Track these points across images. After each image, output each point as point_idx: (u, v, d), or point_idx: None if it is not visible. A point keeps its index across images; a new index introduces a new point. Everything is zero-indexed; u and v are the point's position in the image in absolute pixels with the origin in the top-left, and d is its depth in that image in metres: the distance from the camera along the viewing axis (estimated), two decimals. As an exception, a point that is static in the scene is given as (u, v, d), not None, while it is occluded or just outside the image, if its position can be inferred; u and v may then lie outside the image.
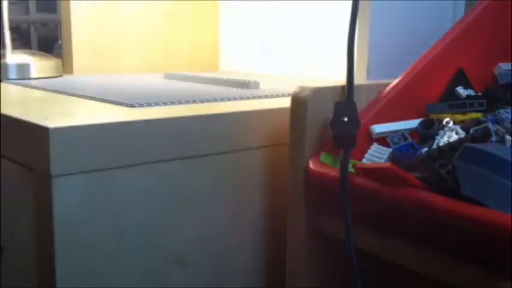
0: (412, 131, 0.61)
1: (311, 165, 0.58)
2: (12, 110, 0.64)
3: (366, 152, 0.60)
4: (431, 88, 0.66)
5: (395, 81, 0.65)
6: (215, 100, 0.77)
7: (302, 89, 0.61)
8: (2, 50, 1.05)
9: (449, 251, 0.48)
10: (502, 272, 0.44)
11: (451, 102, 0.64)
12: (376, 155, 0.60)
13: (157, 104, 0.71)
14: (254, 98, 0.81)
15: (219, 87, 0.92)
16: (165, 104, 0.72)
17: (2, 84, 0.97)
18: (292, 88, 0.63)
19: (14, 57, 1.04)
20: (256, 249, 0.72)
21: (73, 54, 1.16)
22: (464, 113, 0.62)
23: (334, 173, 0.55)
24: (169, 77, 1.09)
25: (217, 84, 0.95)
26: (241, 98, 0.79)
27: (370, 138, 0.62)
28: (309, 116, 0.60)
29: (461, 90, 0.66)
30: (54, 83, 0.97)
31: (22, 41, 2.12)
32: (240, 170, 0.69)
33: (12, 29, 1.06)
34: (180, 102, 0.74)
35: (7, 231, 0.67)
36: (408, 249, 0.52)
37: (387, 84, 0.65)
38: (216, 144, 0.66)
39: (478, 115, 0.61)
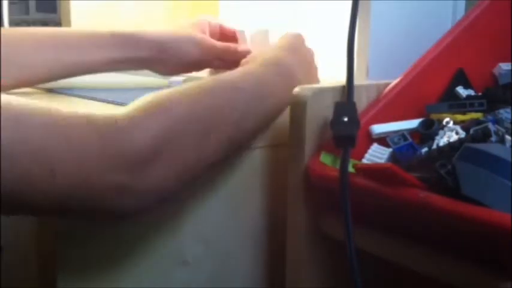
0: (412, 131, 0.61)
1: (311, 165, 0.58)
2: (12, 110, 0.64)
3: (366, 152, 0.60)
4: (431, 88, 0.66)
5: (395, 81, 0.65)
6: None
7: (302, 89, 0.61)
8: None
9: (449, 251, 0.48)
10: (502, 272, 0.44)
11: (451, 102, 0.64)
12: (376, 155, 0.60)
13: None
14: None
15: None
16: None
17: (2, 84, 0.97)
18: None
19: (14, 57, 1.04)
20: (256, 249, 0.72)
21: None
22: (464, 113, 0.62)
23: (334, 173, 0.55)
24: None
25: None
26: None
27: (370, 138, 0.62)
28: (309, 116, 0.60)
29: (461, 90, 0.66)
30: (53, 82, 0.97)
31: (22, 41, 2.11)
32: (240, 170, 0.68)
33: (12, 29, 1.06)
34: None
35: (7, 231, 0.67)
36: (408, 249, 0.52)
37: (387, 84, 0.65)
38: (216, 144, 0.66)
39: (478, 115, 0.61)
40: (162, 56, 0.79)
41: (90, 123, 0.43)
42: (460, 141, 0.54)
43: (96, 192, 0.43)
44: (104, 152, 0.42)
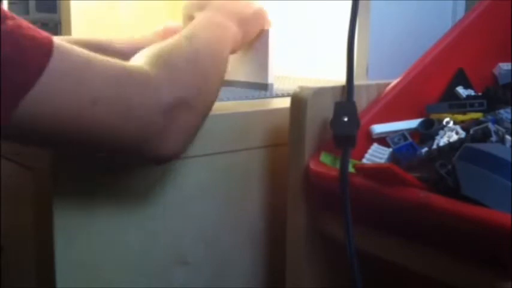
0: (412, 131, 0.61)
1: (311, 165, 0.58)
2: (12, 110, 0.64)
3: (366, 152, 0.60)
4: (431, 88, 0.66)
5: (395, 81, 0.65)
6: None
7: (302, 89, 0.61)
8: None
9: (449, 251, 0.48)
10: (502, 272, 0.44)
11: (451, 102, 0.64)
12: (376, 155, 0.60)
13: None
14: (256, 98, 0.81)
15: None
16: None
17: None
18: (292, 88, 0.63)
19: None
20: (256, 249, 0.72)
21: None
22: (464, 113, 0.62)
23: (334, 173, 0.55)
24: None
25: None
26: (241, 98, 0.79)
27: (370, 138, 0.62)
28: (309, 116, 0.60)
29: (461, 90, 0.66)
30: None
31: (22, 41, 2.11)
32: (240, 170, 0.68)
33: (12, 29, 1.06)
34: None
35: (7, 231, 0.67)
36: (408, 249, 0.52)
37: (387, 84, 0.65)
38: (216, 144, 0.66)
39: (478, 115, 0.61)
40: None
41: (130, 75, 0.50)
42: (460, 141, 0.54)
43: (137, 126, 0.50)
44: (142, 100, 0.50)
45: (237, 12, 0.72)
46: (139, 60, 0.54)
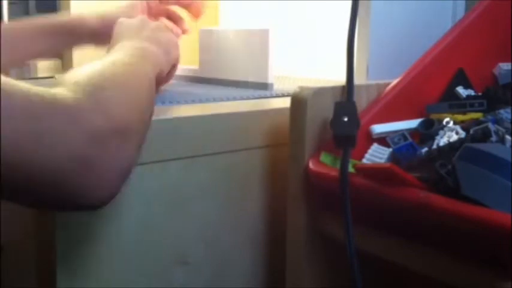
0: (412, 131, 0.61)
1: (311, 165, 0.58)
2: (12, 110, 0.64)
3: (366, 152, 0.60)
4: (431, 88, 0.66)
5: (395, 81, 0.65)
6: (214, 100, 0.77)
7: (302, 89, 0.61)
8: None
9: (449, 251, 0.48)
10: (502, 272, 0.44)
11: (451, 102, 0.64)
12: (376, 155, 0.60)
13: (156, 104, 0.71)
14: (256, 98, 0.81)
15: (218, 87, 0.92)
16: (164, 103, 0.72)
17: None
18: (292, 88, 0.63)
19: (14, 57, 1.04)
20: (256, 249, 0.72)
21: (73, 54, 1.16)
22: (464, 113, 0.62)
23: (334, 173, 0.55)
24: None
25: (217, 84, 0.95)
26: (242, 98, 0.79)
27: (370, 138, 0.62)
28: (309, 116, 0.60)
29: (461, 90, 0.66)
30: (53, 83, 0.97)
31: (22, 41, 2.11)
32: (240, 170, 0.68)
33: (12, 29, 1.06)
34: (179, 103, 0.74)
35: (7, 231, 0.67)
36: (408, 249, 0.52)
37: (387, 84, 0.65)
38: (216, 144, 0.66)
39: (478, 115, 0.61)
40: (106, 30, 0.81)
41: (56, 105, 0.47)
42: (460, 141, 0.54)
43: (61, 165, 0.45)
44: (67, 129, 0.46)
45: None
46: (65, 87, 0.50)
